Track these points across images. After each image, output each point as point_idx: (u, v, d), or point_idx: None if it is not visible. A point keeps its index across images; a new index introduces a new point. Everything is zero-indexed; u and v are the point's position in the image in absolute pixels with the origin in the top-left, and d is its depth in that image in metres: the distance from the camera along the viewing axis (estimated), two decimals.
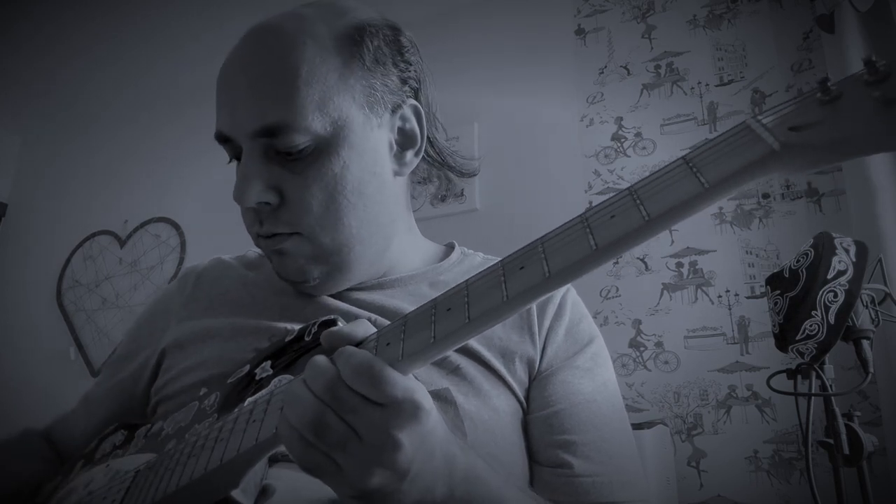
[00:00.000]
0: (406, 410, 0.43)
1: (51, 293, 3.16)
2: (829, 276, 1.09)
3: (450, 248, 0.83)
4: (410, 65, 0.71)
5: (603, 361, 0.74)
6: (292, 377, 0.54)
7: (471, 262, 0.81)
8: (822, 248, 1.11)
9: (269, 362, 0.60)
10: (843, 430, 1.11)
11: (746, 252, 1.95)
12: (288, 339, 0.60)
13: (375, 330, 0.49)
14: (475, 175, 0.83)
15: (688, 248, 2.02)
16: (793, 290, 1.12)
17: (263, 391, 0.55)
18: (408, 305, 0.70)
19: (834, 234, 1.14)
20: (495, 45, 2.52)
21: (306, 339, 0.59)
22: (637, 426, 1.56)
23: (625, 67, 2.29)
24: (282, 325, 0.69)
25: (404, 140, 0.71)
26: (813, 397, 1.14)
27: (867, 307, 1.12)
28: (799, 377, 1.16)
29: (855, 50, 1.72)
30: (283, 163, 0.64)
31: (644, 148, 2.18)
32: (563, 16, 2.44)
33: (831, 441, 1.12)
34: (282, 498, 0.53)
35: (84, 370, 2.93)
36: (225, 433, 0.51)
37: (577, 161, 2.26)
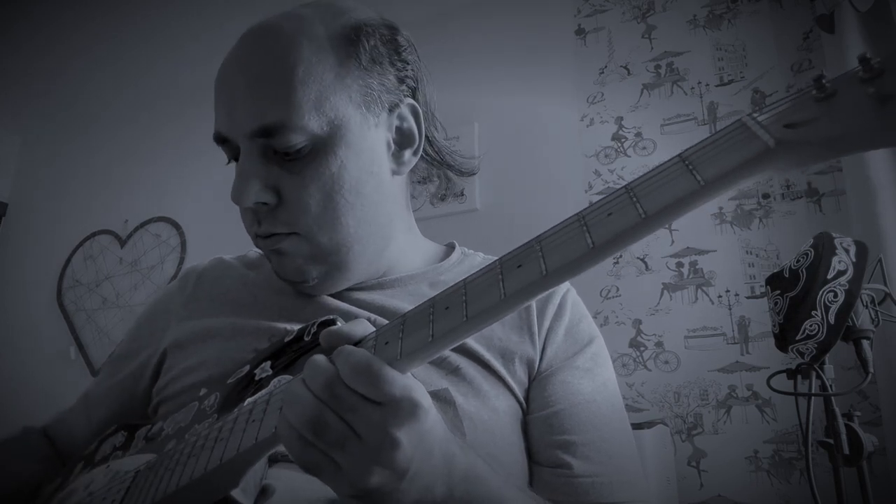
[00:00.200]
0: (404, 409, 0.43)
1: (51, 293, 3.16)
2: (829, 276, 1.09)
3: (450, 248, 0.83)
4: (408, 64, 0.71)
5: (603, 361, 0.74)
6: (292, 377, 0.54)
7: (471, 262, 0.81)
8: (822, 248, 1.11)
9: (268, 363, 0.60)
10: (843, 430, 1.11)
11: (746, 252, 1.95)
12: (287, 339, 0.60)
13: (374, 329, 0.49)
14: (475, 174, 0.83)
15: (688, 248, 2.02)
16: (793, 290, 1.12)
17: (263, 391, 0.55)
18: (408, 305, 0.70)
19: (834, 234, 1.14)
20: (495, 45, 2.52)
21: (305, 339, 0.59)
22: (637, 426, 1.56)
23: (625, 67, 2.29)
24: (282, 325, 0.69)
25: (402, 139, 0.71)
26: (813, 397, 1.14)
27: (867, 307, 1.12)
28: (799, 377, 1.16)
29: (855, 50, 1.72)
30: (281, 163, 0.64)
31: (644, 148, 2.18)
32: (563, 16, 2.44)
33: (831, 441, 1.12)
34: (281, 498, 0.53)
35: (84, 370, 2.93)
36: (225, 433, 0.52)
37: (577, 161, 2.26)
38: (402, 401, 0.43)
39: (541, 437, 0.67)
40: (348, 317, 0.67)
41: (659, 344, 1.99)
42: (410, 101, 0.71)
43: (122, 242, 3.11)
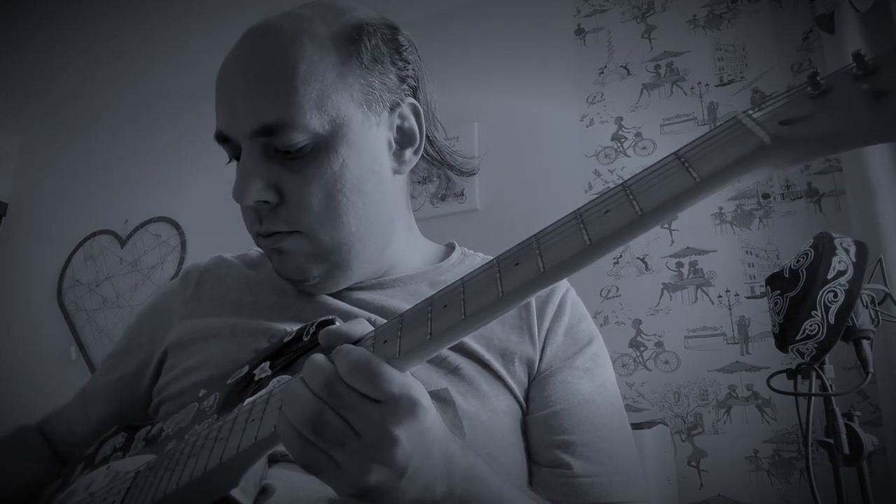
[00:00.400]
0: (403, 407, 0.43)
1: (51, 293, 3.16)
2: (829, 277, 1.09)
3: (450, 248, 0.83)
4: (409, 63, 0.71)
5: (602, 362, 0.74)
6: (291, 377, 0.54)
7: (471, 262, 0.81)
8: (822, 248, 1.11)
9: (267, 363, 0.60)
10: (843, 430, 1.11)
11: (746, 252, 1.95)
12: (286, 339, 0.60)
13: (373, 329, 0.49)
14: (475, 174, 0.83)
15: (688, 248, 2.02)
16: (793, 290, 1.12)
17: (262, 391, 0.55)
18: (408, 305, 0.69)
19: (834, 234, 1.14)
20: (495, 45, 2.52)
21: (304, 339, 0.59)
22: (637, 426, 1.56)
23: (625, 67, 2.29)
24: (281, 325, 0.69)
25: (403, 138, 0.71)
26: (813, 397, 1.14)
27: (867, 307, 1.12)
28: (799, 377, 1.16)
29: (855, 50, 1.72)
30: (283, 161, 0.64)
31: (644, 148, 2.18)
32: (563, 16, 2.44)
33: (831, 441, 1.12)
34: (281, 497, 0.53)
35: (85, 370, 2.93)
36: (224, 432, 0.52)
37: (577, 161, 2.26)
38: (401, 399, 0.43)
39: (540, 437, 0.67)
40: (348, 317, 0.66)
41: (659, 344, 1.99)
42: (411, 100, 0.71)
43: (123, 242, 3.11)
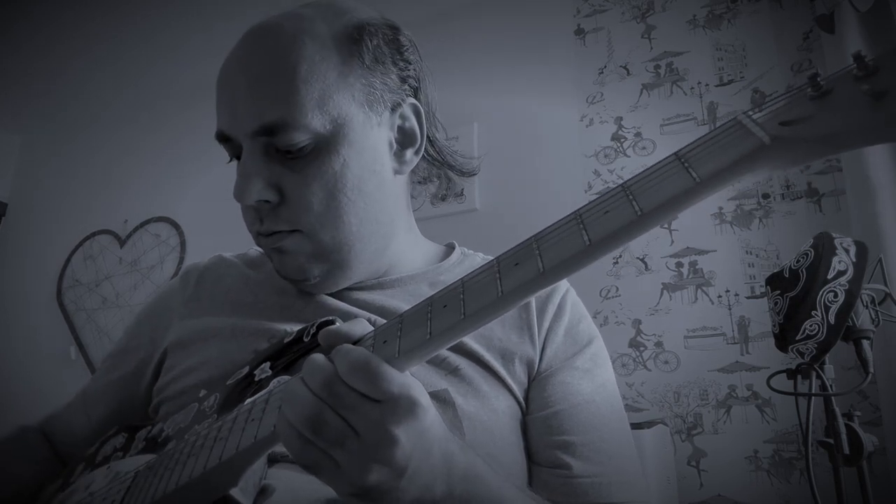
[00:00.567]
0: (402, 406, 0.43)
1: (51, 293, 3.16)
2: (829, 276, 1.09)
3: (450, 248, 0.83)
4: (410, 64, 0.71)
5: (602, 362, 0.74)
6: (291, 377, 0.54)
7: (471, 262, 0.81)
8: (822, 248, 1.11)
9: (268, 363, 0.60)
10: (843, 430, 1.11)
11: (746, 252, 1.95)
12: (287, 340, 0.60)
13: (373, 329, 0.49)
14: (475, 174, 0.83)
15: (688, 248, 2.02)
16: (793, 290, 1.12)
17: (262, 391, 0.55)
18: (408, 305, 0.69)
19: (834, 234, 1.14)
20: (495, 45, 2.52)
21: (305, 340, 0.59)
22: (637, 426, 1.56)
23: (624, 67, 2.29)
24: (281, 326, 0.69)
25: (404, 138, 0.71)
26: (813, 397, 1.14)
27: (867, 307, 1.12)
28: (799, 377, 1.16)
29: (855, 50, 1.72)
30: (283, 161, 0.64)
31: (644, 148, 2.18)
32: (562, 16, 2.44)
33: (831, 441, 1.12)
34: (281, 498, 0.53)
35: (85, 370, 2.93)
36: (224, 432, 0.52)
37: (576, 161, 2.26)
38: (401, 398, 0.43)
39: (540, 437, 0.67)
40: (348, 317, 0.66)
41: (659, 344, 1.99)
42: (412, 100, 0.71)
43: (122, 242, 3.11)
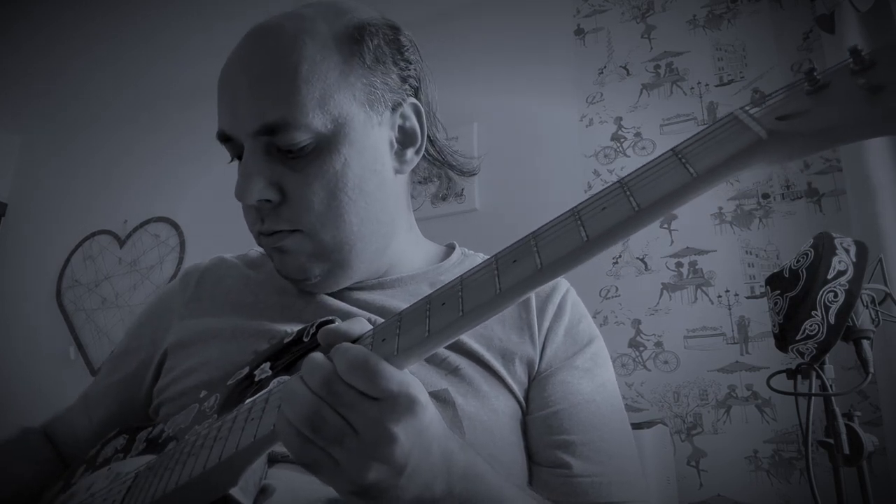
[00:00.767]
0: (401, 404, 0.43)
1: (50, 293, 3.16)
2: (829, 276, 1.09)
3: (450, 248, 0.83)
4: (410, 63, 0.71)
5: (602, 362, 0.73)
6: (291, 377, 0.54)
7: (471, 262, 0.81)
8: (822, 248, 1.11)
9: (268, 364, 0.60)
10: (843, 430, 1.11)
11: (746, 252, 1.95)
12: (287, 340, 0.60)
13: (372, 328, 0.49)
14: (475, 174, 0.83)
15: (688, 248, 2.02)
16: (793, 290, 1.12)
17: (262, 392, 0.55)
18: (407, 305, 0.70)
19: (834, 234, 1.14)
20: (495, 45, 2.52)
21: (305, 340, 0.59)
22: (637, 426, 1.56)
23: (624, 67, 2.29)
24: (282, 327, 0.69)
25: (405, 138, 0.71)
26: (813, 397, 1.14)
27: (867, 307, 1.12)
28: (799, 377, 1.16)
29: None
30: (285, 160, 0.64)
31: (644, 148, 2.18)
32: (562, 16, 2.44)
33: (831, 441, 1.12)
34: (281, 497, 0.53)
35: (84, 370, 2.93)
36: (224, 432, 0.52)
37: (576, 161, 2.26)
38: (400, 396, 0.43)
39: (540, 437, 0.67)
40: (349, 317, 0.66)
41: (658, 344, 1.99)
42: (413, 100, 0.71)
43: (122, 242, 3.11)
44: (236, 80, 0.65)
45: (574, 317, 0.74)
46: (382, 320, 0.67)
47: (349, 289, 0.73)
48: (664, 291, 2.02)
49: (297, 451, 0.44)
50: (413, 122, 0.71)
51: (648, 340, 2.00)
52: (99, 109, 3.30)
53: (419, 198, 0.82)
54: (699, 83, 2.15)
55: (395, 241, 0.74)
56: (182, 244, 2.98)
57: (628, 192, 0.38)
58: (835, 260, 1.09)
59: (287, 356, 0.59)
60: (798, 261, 1.14)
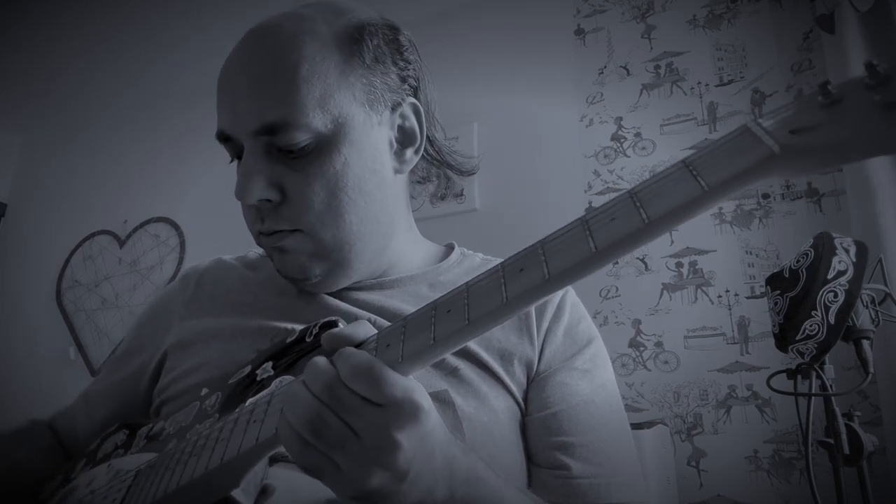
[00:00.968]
0: (405, 411, 0.43)
1: (50, 293, 3.16)
2: (829, 276, 1.09)
3: (449, 248, 0.83)
4: (409, 63, 0.71)
5: (602, 363, 0.73)
6: (293, 378, 0.54)
7: (470, 262, 0.81)
8: (822, 248, 1.11)
9: (270, 363, 0.60)
10: (843, 430, 1.11)
11: (746, 252, 1.95)
12: (289, 340, 0.60)
13: (376, 331, 0.49)
14: (474, 173, 0.84)
15: (688, 248, 2.02)
16: (793, 290, 1.12)
17: (264, 392, 0.55)
18: (407, 306, 0.70)
19: (834, 234, 1.14)
20: (495, 45, 2.52)
21: (307, 340, 0.59)
22: (637, 426, 1.56)
23: (624, 67, 2.29)
24: (283, 324, 0.69)
25: (404, 138, 0.72)
26: (813, 397, 1.14)
27: (867, 307, 1.12)
28: (799, 377, 1.16)
29: (855, 50, 1.72)
30: (285, 160, 0.64)
31: (644, 148, 2.18)
32: (562, 16, 2.44)
33: (831, 441, 1.12)
34: (281, 498, 0.52)
35: (84, 370, 2.93)
36: (226, 433, 0.51)
37: (576, 161, 2.26)
38: (403, 403, 0.42)
39: (539, 438, 0.67)
40: (349, 317, 0.67)
41: (658, 344, 1.99)
42: (412, 100, 0.71)
43: (122, 243, 3.11)
44: (236, 80, 0.65)
45: (573, 317, 0.74)
46: (383, 320, 0.68)
47: (348, 289, 0.73)
48: (664, 291, 2.02)
49: (298, 456, 0.44)
50: (412, 121, 0.71)
51: (648, 340, 2.00)
52: (99, 109, 3.30)
53: (419, 198, 0.82)
54: (699, 83, 2.15)
55: (395, 240, 0.74)
56: (182, 244, 2.98)
57: (638, 204, 0.38)
58: (835, 260, 1.09)
59: (289, 356, 0.59)
60: (798, 261, 1.14)
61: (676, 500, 1.74)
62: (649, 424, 1.63)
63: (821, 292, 1.09)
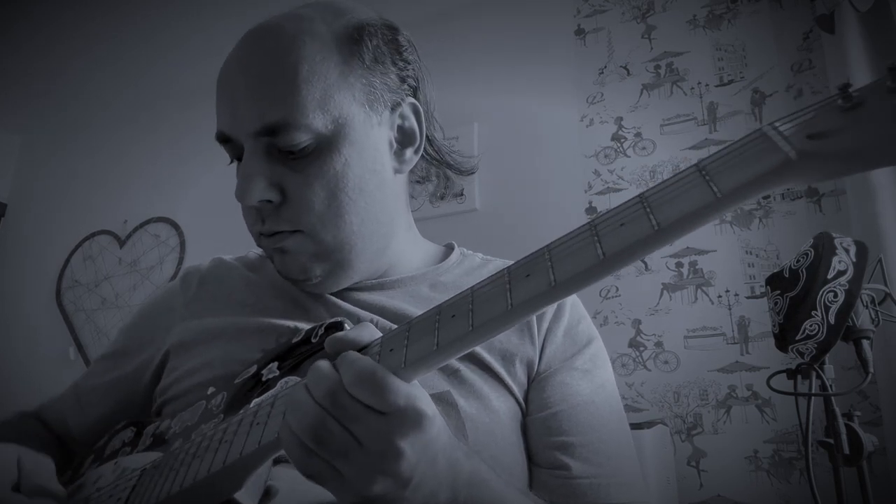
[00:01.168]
0: (409, 418, 0.42)
1: (50, 293, 3.15)
2: (829, 276, 1.09)
3: (449, 248, 0.83)
4: (409, 63, 0.71)
5: (601, 363, 0.73)
6: (298, 378, 0.54)
7: (470, 262, 0.81)
8: (822, 248, 1.11)
9: (275, 363, 0.60)
10: (843, 430, 1.11)
11: (746, 252, 1.95)
12: (295, 340, 0.60)
13: (380, 335, 0.48)
14: (474, 173, 0.84)
15: (688, 248, 2.02)
16: (793, 290, 1.12)
17: (269, 393, 0.55)
18: (408, 306, 0.70)
19: (834, 234, 1.14)
20: (495, 45, 2.52)
21: (313, 340, 0.59)
22: (637, 426, 1.56)
23: (625, 67, 2.29)
24: (287, 323, 0.69)
25: (404, 138, 0.72)
26: (813, 397, 1.14)
27: (867, 307, 1.12)
28: (799, 377, 1.16)
29: (855, 50, 1.72)
30: (285, 161, 0.64)
31: (644, 148, 2.18)
32: (563, 16, 2.44)
33: (831, 441, 1.12)
34: (284, 499, 0.52)
35: (84, 370, 2.92)
36: (229, 435, 0.51)
37: (576, 161, 2.26)
38: (407, 410, 0.42)
39: (539, 438, 0.67)
40: (350, 317, 0.67)
41: (658, 344, 1.99)
42: (412, 100, 0.71)
43: (122, 243, 3.11)
44: (235, 81, 0.65)
45: (573, 317, 0.74)
46: (384, 321, 0.68)
47: (349, 289, 0.73)
48: (664, 291, 2.02)
49: (300, 463, 0.44)
50: (412, 121, 0.71)
51: (648, 340, 2.00)
52: (99, 109, 3.30)
53: (419, 198, 0.82)
54: (699, 83, 2.15)
55: (395, 240, 0.75)
56: (182, 244, 2.98)
57: (648, 209, 0.36)
58: (835, 260, 1.09)
59: (295, 356, 0.59)
60: (798, 261, 1.14)
61: (676, 500, 1.74)
62: (649, 424, 1.63)
63: (821, 292, 1.09)
